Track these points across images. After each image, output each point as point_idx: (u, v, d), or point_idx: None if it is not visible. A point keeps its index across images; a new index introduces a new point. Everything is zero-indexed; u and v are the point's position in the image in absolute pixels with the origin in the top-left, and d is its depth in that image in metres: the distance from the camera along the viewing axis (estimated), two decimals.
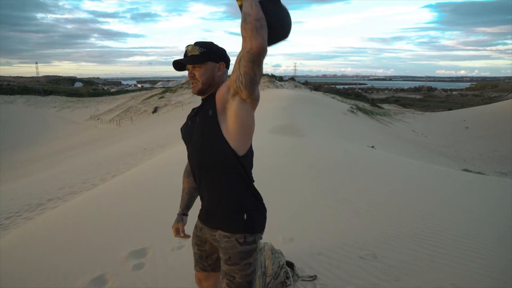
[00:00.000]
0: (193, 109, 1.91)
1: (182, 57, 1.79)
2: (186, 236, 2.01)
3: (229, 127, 1.64)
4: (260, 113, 16.62)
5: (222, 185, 1.69)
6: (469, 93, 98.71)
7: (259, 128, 11.75)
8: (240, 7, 1.55)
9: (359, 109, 32.60)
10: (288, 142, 9.08)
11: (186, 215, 2.06)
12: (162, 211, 4.27)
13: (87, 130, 36.31)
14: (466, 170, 12.98)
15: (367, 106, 43.14)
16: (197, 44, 1.75)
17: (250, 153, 1.72)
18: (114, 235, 3.75)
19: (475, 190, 5.91)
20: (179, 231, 2.01)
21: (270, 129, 11.46)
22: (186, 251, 3.31)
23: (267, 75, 46.08)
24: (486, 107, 39.44)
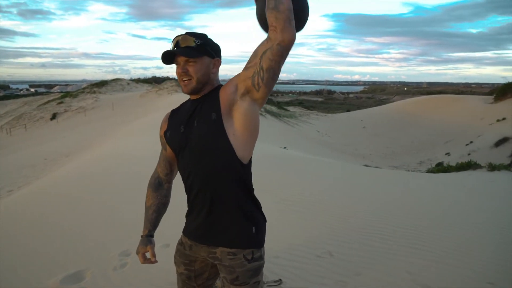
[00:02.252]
0: (176, 111, 1.67)
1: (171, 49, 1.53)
2: (155, 261, 1.66)
3: (237, 132, 1.46)
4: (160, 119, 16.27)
5: (227, 197, 1.50)
6: (363, 96, 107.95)
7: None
8: None
9: (268, 111, 33.65)
10: None
11: (153, 236, 1.71)
12: (90, 227, 3.93)
13: None
14: (366, 165, 14.24)
15: (274, 108, 44.69)
16: (191, 34, 1.51)
17: (250, 162, 1.56)
18: (32, 263, 3.29)
19: (396, 183, 6.50)
20: (148, 256, 1.65)
21: None
22: (130, 269, 3.04)
23: (174, 79, 45.22)
24: (378, 108, 43.52)
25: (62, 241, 3.63)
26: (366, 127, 33.56)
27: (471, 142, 22.21)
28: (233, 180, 1.49)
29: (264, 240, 1.60)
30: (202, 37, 1.52)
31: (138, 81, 48.20)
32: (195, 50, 1.49)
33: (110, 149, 9.82)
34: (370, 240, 3.57)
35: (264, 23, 1.44)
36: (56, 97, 45.16)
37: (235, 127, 1.46)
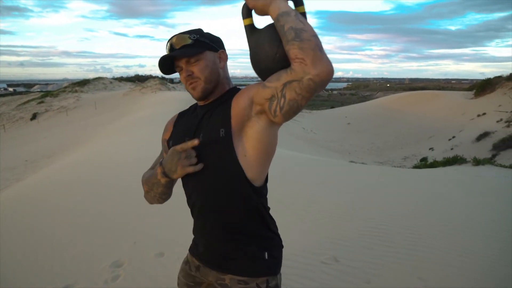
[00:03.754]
0: (183, 115, 1.47)
1: (166, 54, 1.30)
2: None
3: (249, 153, 1.23)
4: (157, 116, 16.14)
5: (234, 221, 1.31)
6: (347, 92, 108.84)
7: (146, 134, 11.31)
8: (248, 27, 1.23)
9: None
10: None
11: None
12: (76, 237, 3.73)
13: None
14: (352, 161, 14.32)
15: None
16: (184, 32, 1.31)
17: (266, 180, 1.36)
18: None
19: (390, 181, 6.44)
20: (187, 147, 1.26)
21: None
22: (124, 281, 2.84)
23: (157, 77, 44.77)
24: (361, 104, 43.91)
25: (47, 253, 3.43)
26: (351, 123, 33.80)
27: (454, 137, 22.57)
28: (242, 203, 1.29)
29: (280, 266, 1.39)
30: (197, 31, 1.32)
31: (121, 79, 47.54)
32: (194, 47, 1.28)
33: (91, 152, 9.58)
34: (372, 244, 3.48)
35: (264, 68, 1.18)
36: (36, 96, 44.17)
37: (246, 148, 1.23)
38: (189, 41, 1.28)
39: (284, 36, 1.09)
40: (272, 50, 1.15)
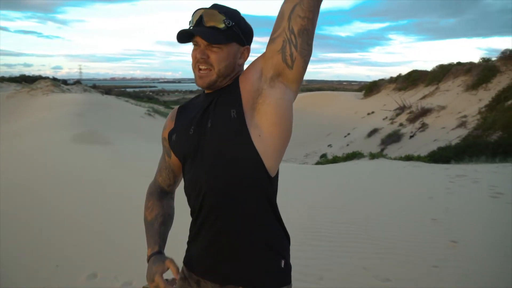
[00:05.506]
0: (184, 107, 1.33)
1: (190, 27, 1.15)
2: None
3: (264, 133, 1.10)
4: (51, 120, 14.79)
5: (249, 221, 1.14)
6: None
7: (57, 138, 10.44)
8: None
9: (156, 111, 32.61)
10: (101, 152, 8.35)
11: (163, 253, 1.25)
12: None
13: None
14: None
15: (161, 108, 43.49)
16: (220, 9, 1.14)
17: (278, 171, 1.21)
18: None
19: (313, 179, 6.75)
20: (172, 276, 1.18)
21: (70, 139, 10.32)
22: None
23: (48, 78, 40.96)
24: None
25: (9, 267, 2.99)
26: None
27: (349, 134, 24.64)
28: (258, 198, 1.14)
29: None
30: (234, 16, 1.15)
31: (3, 80, 42.43)
32: (223, 34, 1.12)
33: None
34: (315, 240, 3.63)
35: None
36: None
37: (261, 127, 1.10)
38: (222, 26, 1.12)
39: None
40: None
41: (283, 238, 1.22)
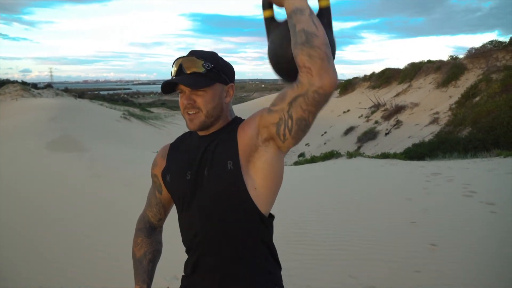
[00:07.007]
0: (176, 146, 1.35)
1: (172, 77, 1.20)
2: None
3: (259, 185, 1.16)
4: (23, 127, 14.36)
5: (244, 260, 1.20)
6: None
7: (31, 145, 10.12)
8: (268, 19, 1.17)
9: (132, 114, 32.11)
10: (79, 161, 8.16)
11: None
12: None
13: None
14: None
15: (137, 111, 42.86)
16: (198, 55, 1.19)
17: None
18: None
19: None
20: None
21: (46, 146, 10.06)
22: None
23: (17, 82, 39.73)
24: (239, 105, 45.44)
25: None
26: None
27: (325, 132, 24.91)
28: (254, 240, 1.21)
29: None
30: (213, 58, 1.20)
31: None
32: (204, 78, 1.17)
33: None
34: (298, 248, 3.63)
35: (282, 65, 1.15)
36: None
37: (256, 180, 1.16)
38: (202, 70, 1.17)
39: (295, 36, 1.03)
40: (288, 52, 1.08)
41: (276, 269, 1.28)
